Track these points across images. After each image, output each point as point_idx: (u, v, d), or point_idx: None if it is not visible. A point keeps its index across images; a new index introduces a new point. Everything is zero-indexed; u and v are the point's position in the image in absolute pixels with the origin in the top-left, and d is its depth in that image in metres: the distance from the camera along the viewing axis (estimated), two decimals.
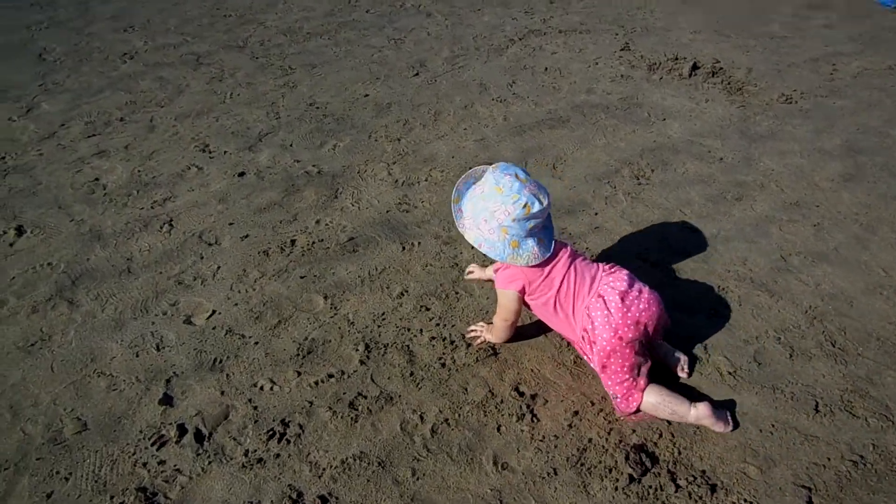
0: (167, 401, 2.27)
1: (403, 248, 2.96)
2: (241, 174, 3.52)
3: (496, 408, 2.23)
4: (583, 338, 2.24)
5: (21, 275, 2.82)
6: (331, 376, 2.35)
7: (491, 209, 2.19)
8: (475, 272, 2.79)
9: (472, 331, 2.54)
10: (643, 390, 2.19)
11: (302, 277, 2.82)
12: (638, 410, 2.21)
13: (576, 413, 2.22)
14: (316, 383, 2.32)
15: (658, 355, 2.37)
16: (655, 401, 2.18)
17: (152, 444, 2.12)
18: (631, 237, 3.02)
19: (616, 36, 5.40)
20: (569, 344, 2.47)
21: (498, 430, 2.16)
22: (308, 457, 2.08)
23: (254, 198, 3.33)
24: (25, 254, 2.94)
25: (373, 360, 2.42)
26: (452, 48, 5.07)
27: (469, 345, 2.47)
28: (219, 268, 2.88)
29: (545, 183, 3.42)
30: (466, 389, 2.30)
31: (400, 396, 2.27)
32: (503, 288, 2.31)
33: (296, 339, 2.51)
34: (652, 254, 2.91)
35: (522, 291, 2.29)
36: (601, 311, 2.17)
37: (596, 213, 3.19)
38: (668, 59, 4.90)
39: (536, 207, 2.15)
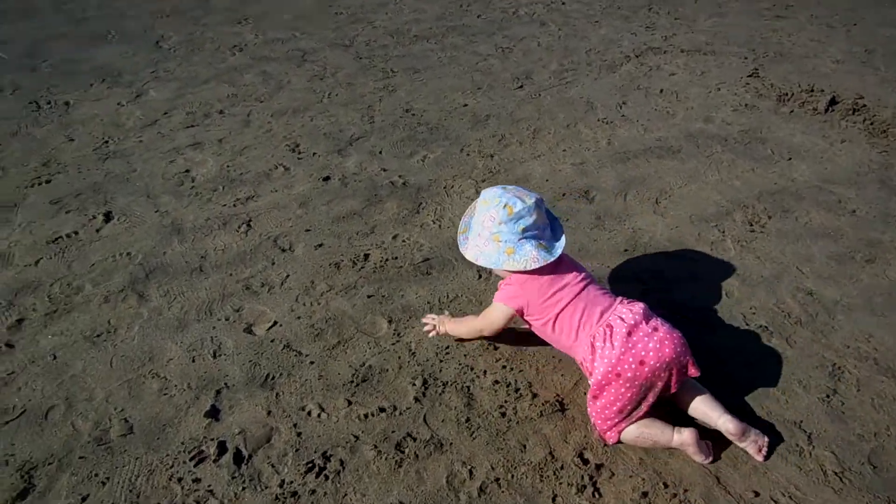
0: (213, 413, 2.19)
1: (480, 277, 2.77)
2: (326, 178, 3.45)
3: (555, 474, 2.00)
4: (582, 364, 2.17)
5: (101, 262, 2.86)
6: (382, 410, 2.19)
7: (480, 221, 2.25)
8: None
9: (430, 324, 2.48)
10: (622, 432, 2.08)
11: (369, 297, 2.68)
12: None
13: (644, 494, 1.95)
14: (365, 416, 2.17)
15: (700, 415, 2.11)
16: (635, 434, 2.08)
17: (191, 459, 2.04)
18: (735, 293, 2.69)
19: (745, 60, 4.96)
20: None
21: (553, 500, 1.93)
22: (344, 498, 1.93)
23: (335, 205, 3.24)
24: (109, 241, 2.98)
25: (429, 398, 2.24)
26: (562, 61, 4.82)
27: (535, 395, 2.25)
28: (288, 276, 2.80)
29: (645, 220, 3.13)
30: (525, 447, 2.08)
31: (451, 444, 2.08)
32: (498, 301, 2.28)
33: (352, 364, 2.37)
34: (759, 317, 2.57)
35: (520, 312, 2.25)
36: (602, 343, 2.07)
37: (697, 260, 2.87)
38: (803, 90, 4.43)
39: (518, 206, 2.17)
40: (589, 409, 2.13)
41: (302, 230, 3.06)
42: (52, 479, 1.98)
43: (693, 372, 2.07)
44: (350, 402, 2.22)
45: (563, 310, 2.17)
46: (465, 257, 2.31)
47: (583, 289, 2.20)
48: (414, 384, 2.29)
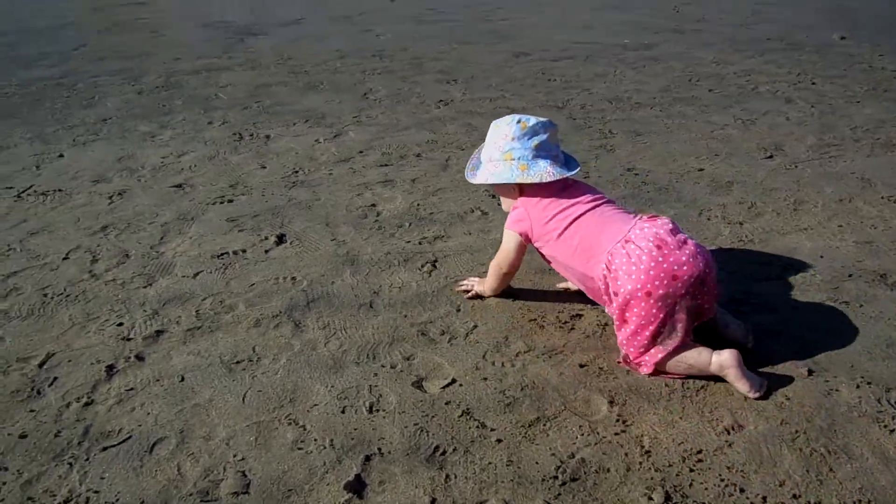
0: (357, 487, 1.54)
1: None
2: None
3: None
4: (601, 287, 1.94)
5: (261, 283, 2.43)
6: None
7: (492, 143, 2.14)
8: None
9: (463, 284, 2.34)
10: (657, 363, 1.86)
11: (582, 366, 1.96)
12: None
13: None
14: None
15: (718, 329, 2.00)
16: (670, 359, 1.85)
17: None
18: None
19: None
20: None
21: None
22: None
23: (538, 255, 2.60)
24: (276, 263, 2.57)
25: None
26: (821, 136, 3.95)
27: None
28: (475, 327, 2.16)
29: None
30: None
31: None
32: (507, 228, 2.16)
33: (557, 453, 1.63)
34: None
35: (526, 238, 2.11)
36: (626, 259, 1.85)
37: None
38: None
39: (532, 121, 2.08)
40: (619, 337, 1.92)
41: None
42: None
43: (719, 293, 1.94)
44: None
45: (570, 224, 2.00)
46: (474, 183, 2.19)
47: (595, 207, 2.03)
48: (650, 497, 1.49)
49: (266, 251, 2.65)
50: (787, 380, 1.90)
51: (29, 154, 3.59)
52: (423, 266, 2.54)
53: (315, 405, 1.81)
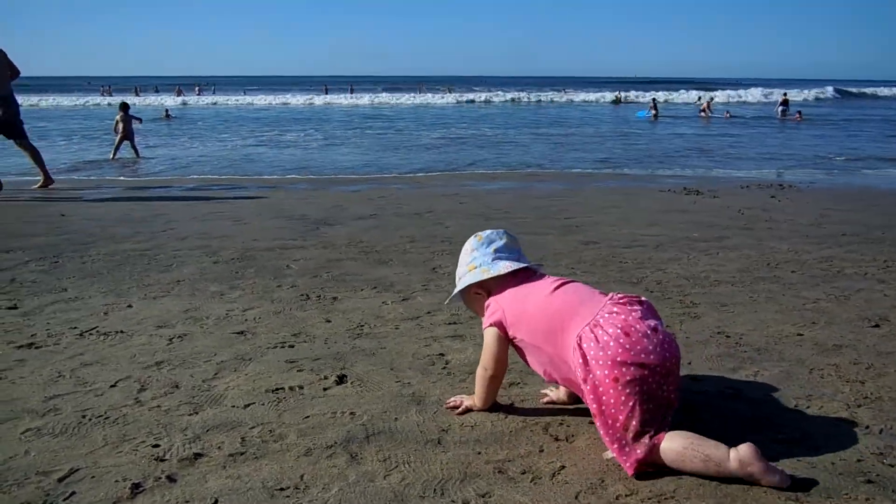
0: None
1: None
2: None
3: None
4: (577, 372, 1.84)
5: (316, 416, 2.17)
6: None
7: (458, 266, 2.28)
8: (550, 394, 2.31)
9: (450, 402, 2.24)
10: (641, 460, 1.73)
11: None
12: (648, 469, 1.74)
13: None
14: None
15: None
16: (679, 448, 1.73)
17: None
18: None
19: None
20: None
21: None
22: None
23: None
24: (334, 399, 2.32)
25: None
26: None
27: None
28: (563, 467, 1.82)
29: None
30: None
31: None
32: (484, 328, 2.15)
33: None
34: None
35: (501, 326, 2.08)
36: (594, 343, 1.81)
37: None
38: None
39: (488, 232, 2.23)
40: (600, 432, 1.81)
41: (586, 422, 2.12)
42: None
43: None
44: None
45: (541, 301, 2.01)
46: (448, 304, 2.23)
47: (560, 286, 2.04)
48: None
49: (325, 389, 2.42)
50: None
51: (100, 304, 3.60)
52: (499, 409, 2.25)
53: None
